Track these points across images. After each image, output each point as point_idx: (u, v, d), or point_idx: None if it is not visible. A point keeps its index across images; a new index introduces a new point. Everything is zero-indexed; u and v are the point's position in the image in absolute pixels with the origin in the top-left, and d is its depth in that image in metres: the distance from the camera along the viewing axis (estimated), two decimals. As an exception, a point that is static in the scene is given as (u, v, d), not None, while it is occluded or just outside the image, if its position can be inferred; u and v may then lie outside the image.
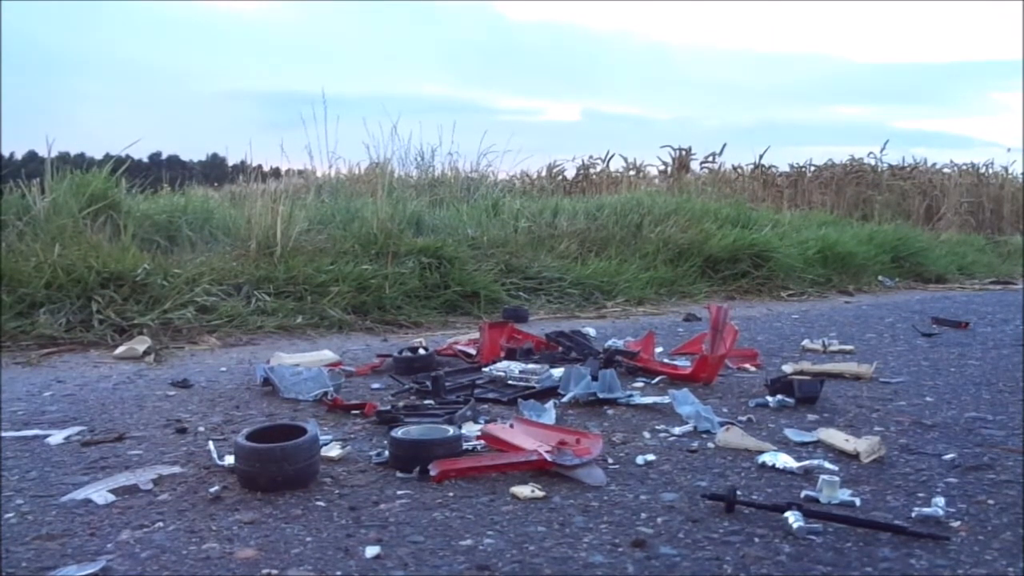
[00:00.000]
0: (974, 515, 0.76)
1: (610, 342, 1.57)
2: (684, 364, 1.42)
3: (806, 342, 1.77)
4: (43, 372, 1.45)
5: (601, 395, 1.17)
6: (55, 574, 0.64)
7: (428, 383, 1.23)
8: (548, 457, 0.85)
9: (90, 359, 1.56)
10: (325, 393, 1.19)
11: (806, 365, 1.44)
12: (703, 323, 1.71)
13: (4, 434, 1.03)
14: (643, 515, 0.76)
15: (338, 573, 0.64)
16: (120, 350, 1.60)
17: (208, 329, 1.81)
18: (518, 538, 0.71)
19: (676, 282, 2.87)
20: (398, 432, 0.91)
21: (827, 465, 0.88)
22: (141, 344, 1.62)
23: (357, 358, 1.55)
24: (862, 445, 0.93)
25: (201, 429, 1.06)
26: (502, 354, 1.45)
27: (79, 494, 0.81)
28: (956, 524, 0.73)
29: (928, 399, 1.24)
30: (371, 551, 0.68)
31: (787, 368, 1.43)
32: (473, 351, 1.52)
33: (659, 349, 1.55)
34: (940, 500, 0.77)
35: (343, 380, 1.31)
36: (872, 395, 1.26)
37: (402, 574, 0.64)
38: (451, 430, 0.93)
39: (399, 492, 0.82)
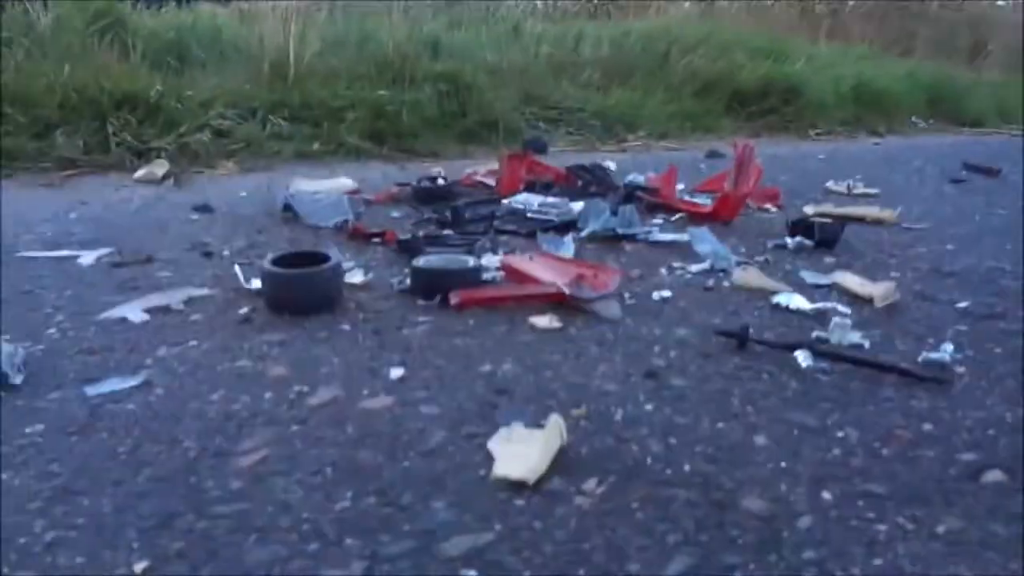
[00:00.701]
0: (981, 362, 0.78)
1: (631, 177, 1.55)
2: (705, 201, 1.41)
3: (830, 183, 1.74)
4: (67, 193, 1.46)
5: (620, 231, 1.17)
6: (100, 387, 0.68)
7: (448, 213, 1.24)
8: (566, 290, 0.87)
9: (111, 181, 1.56)
10: (346, 221, 1.20)
11: (828, 207, 1.43)
12: (726, 160, 1.67)
13: (38, 254, 1.06)
14: (656, 348, 0.79)
15: (365, 392, 0.68)
16: (140, 173, 1.60)
17: (225, 154, 1.80)
18: (535, 365, 0.74)
19: (701, 116, 2.79)
20: (419, 261, 0.93)
21: (840, 308, 0.89)
22: (160, 168, 1.62)
23: (375, 186, 1.55)
24: (877, 290, 0.93)
25: (226, 253, 1.08)
26: (521, 186, 1.44)
27: (115, 312, 0.84)
28: (961, 370, 0.76)
29: (949, 247, 1.23)
30: (395, 372, 0.71)
31: (809, 210, 1.42)
32: (492, 182, 1.51)
33: (680, 186, 1.52)
34: (948, 346, 0.79)
35: (363, 208, 1.31)
36: (893, 240, 1.26)
37: (425, 394, 0.68)
38: (471, 260, 0.95)
39: (421, 319, 0.84)
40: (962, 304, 0.95)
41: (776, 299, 0.92)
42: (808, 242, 1.17)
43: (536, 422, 0.61)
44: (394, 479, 0.54)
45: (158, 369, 0.71)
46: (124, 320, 0.82)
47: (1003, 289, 1.02)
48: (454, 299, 0.86)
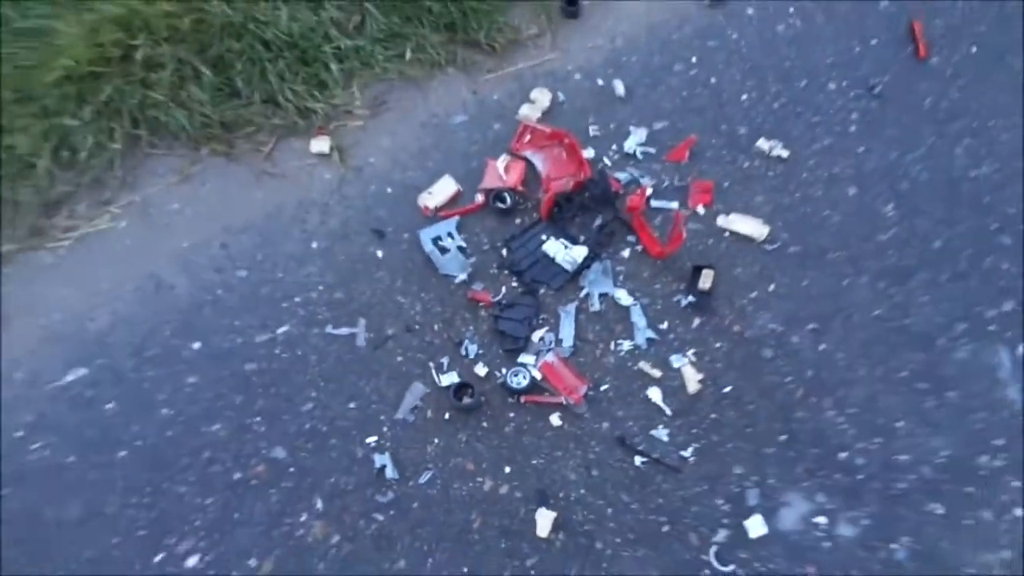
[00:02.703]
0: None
1: (627, 178, 2.36)
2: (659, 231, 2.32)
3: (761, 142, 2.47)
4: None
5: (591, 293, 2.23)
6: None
7: (509, 267, 2.24)
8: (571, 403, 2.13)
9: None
10: (465, 281, 2.21)
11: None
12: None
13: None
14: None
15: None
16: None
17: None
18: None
19: None
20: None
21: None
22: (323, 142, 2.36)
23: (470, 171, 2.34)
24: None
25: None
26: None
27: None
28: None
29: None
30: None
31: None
32: (514, 182, 2.32)
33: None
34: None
35: (472, 256, 2.24)
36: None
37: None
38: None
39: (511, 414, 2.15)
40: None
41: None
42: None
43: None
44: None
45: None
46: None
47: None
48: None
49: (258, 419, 1.95)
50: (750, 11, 2.69)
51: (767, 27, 2.64)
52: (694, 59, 2.58)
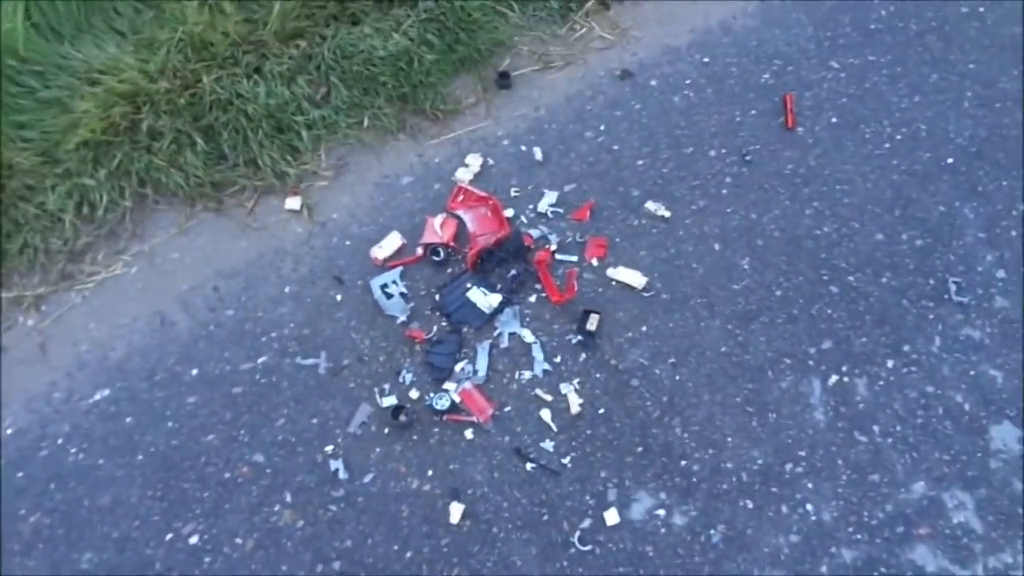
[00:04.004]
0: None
1: (540, 234, 2.95)
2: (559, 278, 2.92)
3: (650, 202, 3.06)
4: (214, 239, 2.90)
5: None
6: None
7: (440, 310, 2.84)
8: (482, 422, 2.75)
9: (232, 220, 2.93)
10: (404, 322, 2.82)
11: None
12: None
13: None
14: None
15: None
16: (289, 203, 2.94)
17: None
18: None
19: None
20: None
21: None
22: (295, 200, 2.94)
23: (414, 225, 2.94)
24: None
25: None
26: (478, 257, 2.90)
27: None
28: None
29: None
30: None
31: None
32: (447, 237, 2.93)
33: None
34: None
35: (411, 302, 2.85)
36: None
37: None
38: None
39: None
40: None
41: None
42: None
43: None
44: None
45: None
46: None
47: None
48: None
49: (242, 431, 2.57)
50: (653, 83, 3.25)
51: (665, 98, 3.21)
52: (602, 127, 3.15)
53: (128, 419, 2.57)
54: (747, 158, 3.04)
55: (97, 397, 2.62)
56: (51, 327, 2.74)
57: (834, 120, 3.15)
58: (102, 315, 2.76)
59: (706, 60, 3.28)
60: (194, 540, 2.39)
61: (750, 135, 3.10)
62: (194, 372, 2.65)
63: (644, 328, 2.72)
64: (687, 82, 3.24)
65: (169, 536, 2.40)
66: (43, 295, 2.80)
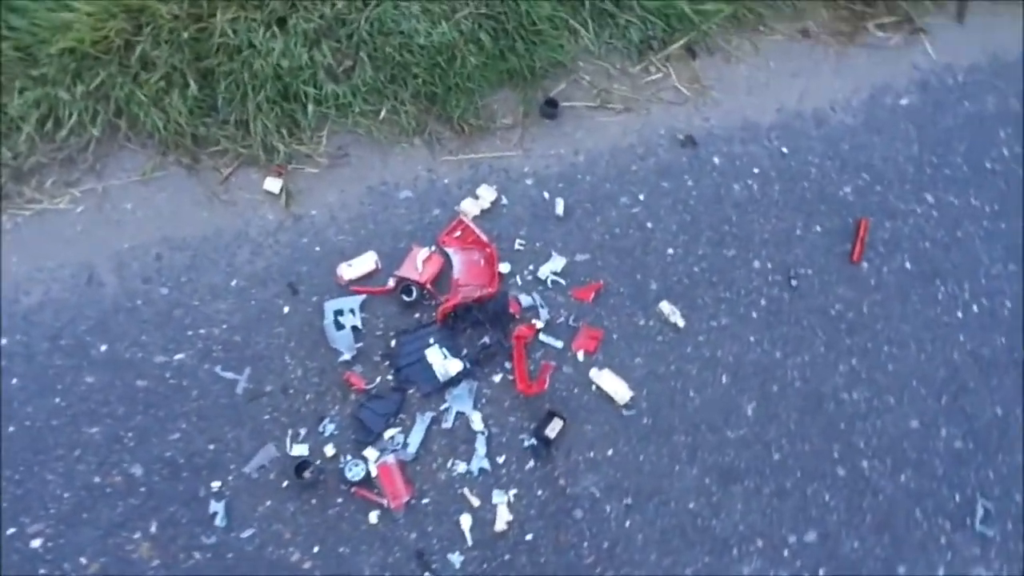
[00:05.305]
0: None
1: (531, 302, 2.52)
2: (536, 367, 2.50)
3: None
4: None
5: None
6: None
7: (390, 364, 2.45)
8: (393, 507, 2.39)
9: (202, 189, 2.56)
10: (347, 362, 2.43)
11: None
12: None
13: None
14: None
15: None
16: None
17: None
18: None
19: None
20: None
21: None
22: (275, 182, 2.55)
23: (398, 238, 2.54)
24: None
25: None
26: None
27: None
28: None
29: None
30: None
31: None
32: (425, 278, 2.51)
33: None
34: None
35: (364, 332, 2.45)
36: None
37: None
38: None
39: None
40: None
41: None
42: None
43: None
44: None
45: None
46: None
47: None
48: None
49: (131, 434, 2.24)
50: (716, 160, 2.78)
51: (724, 182, 2.74)
52: (642, 196, 2.70)
53: (14, 380, 2.26)
54: (793, 282, 2.58)
55: (-10, 345, 2.30)
56: (-32, 248, 2.41)
57: (908, 266, 2.66)
58: (28, 251, 2.43)
59: (785, 150, 2.78)
60: (36, 544, 2.09)
61: (805, 255, 2.63)
62: (103, 348, 2.32)
63: (610, 452, 2.32)
64: (755, 170, 2.76)
65: (12, 530, 2.10)
66: (-29, 209, 2.47)
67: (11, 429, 2.24)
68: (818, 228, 2.70)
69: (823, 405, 2.45)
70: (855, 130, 2.85)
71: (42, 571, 2.11)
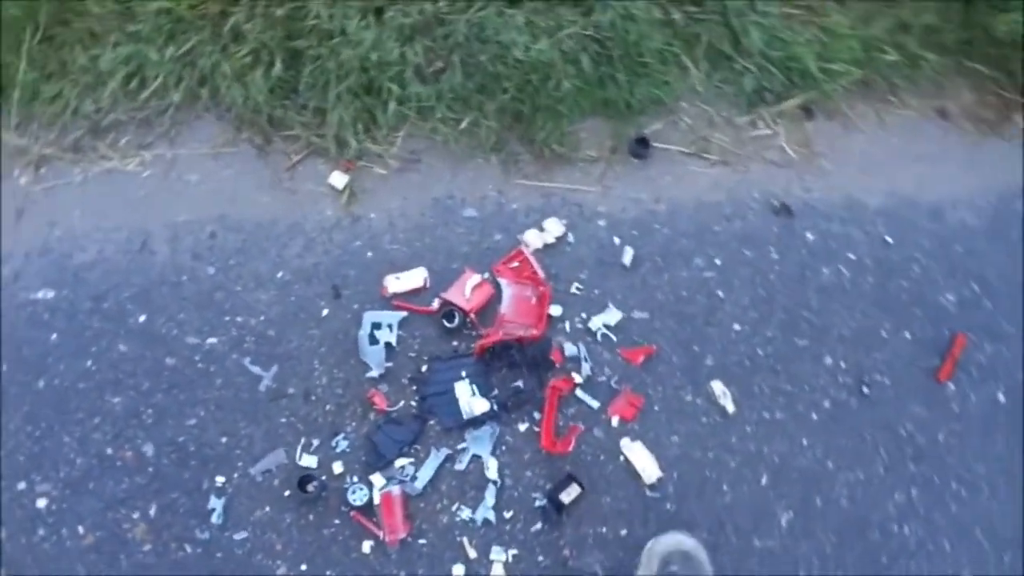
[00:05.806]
0: None
1: (574, 352, 2.35)
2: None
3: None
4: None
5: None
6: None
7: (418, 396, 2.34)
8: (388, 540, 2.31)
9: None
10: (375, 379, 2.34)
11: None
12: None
13: None
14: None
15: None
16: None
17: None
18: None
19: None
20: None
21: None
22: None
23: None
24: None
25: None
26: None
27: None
28: None
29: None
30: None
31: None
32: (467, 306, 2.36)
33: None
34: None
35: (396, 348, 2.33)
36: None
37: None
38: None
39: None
40: None
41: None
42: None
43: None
44: None
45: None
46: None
47: None
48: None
49: (150, 411, 2.24)
50: (809, 236, 2.55)
51: (814, 263, 2.51)
52: (718, 260, 2.51)
53: (54, 336, 2.28)
54: (864, 389, 2.34)
55: (39, 296, 2.34)
56: (39, 195, 2.45)
57: (1000, 398, 2.37)
58: (91, 207, 2.45)
59: (888, 239, 2.52)
60: (41, 504, 2.12)
61: (885, 362, 2.39)
62: (141, 318, 2.32)
63: (623, 532, 2.17)
64: (850, 255, 2.51)
65: (22, 486, 2.13)
66: (48, 157, 2.50)
67: (41, 384, 2.26)
68: (907, 334, 2.44)
69: (867, 533, 2.22)
70: (973, 233, 2.55)
71: (40, 531, 2.12)
